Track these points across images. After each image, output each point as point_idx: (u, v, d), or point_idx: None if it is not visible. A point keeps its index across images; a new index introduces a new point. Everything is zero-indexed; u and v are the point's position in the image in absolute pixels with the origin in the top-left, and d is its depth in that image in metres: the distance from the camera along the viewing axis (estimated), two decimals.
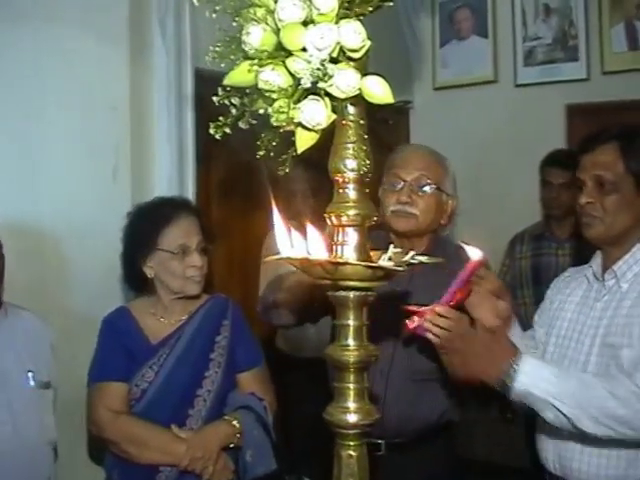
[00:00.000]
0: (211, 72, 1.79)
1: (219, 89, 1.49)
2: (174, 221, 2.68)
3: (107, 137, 3.14)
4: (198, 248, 2.68)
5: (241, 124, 1.48)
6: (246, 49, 1.44)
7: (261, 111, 1.47)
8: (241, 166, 3.76)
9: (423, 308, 2.18)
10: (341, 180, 1.49)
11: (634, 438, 2.02)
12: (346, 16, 1.41)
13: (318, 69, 1.38)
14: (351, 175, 1.48)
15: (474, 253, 2.12)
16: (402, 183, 2.56)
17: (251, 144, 1.52)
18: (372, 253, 1.52)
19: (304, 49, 1.40)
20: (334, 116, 1.46)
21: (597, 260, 2.34)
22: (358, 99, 1.45)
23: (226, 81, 1.48)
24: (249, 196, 3.99)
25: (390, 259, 1.46)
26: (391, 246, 1.49)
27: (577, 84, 5.13)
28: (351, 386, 1.49)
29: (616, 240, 2.25)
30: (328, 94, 1.42)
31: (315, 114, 1.42)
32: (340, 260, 1.45)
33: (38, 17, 3.01)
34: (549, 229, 4.43)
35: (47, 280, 3.02)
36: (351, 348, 1.49)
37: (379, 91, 1.43)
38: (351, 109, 1.48)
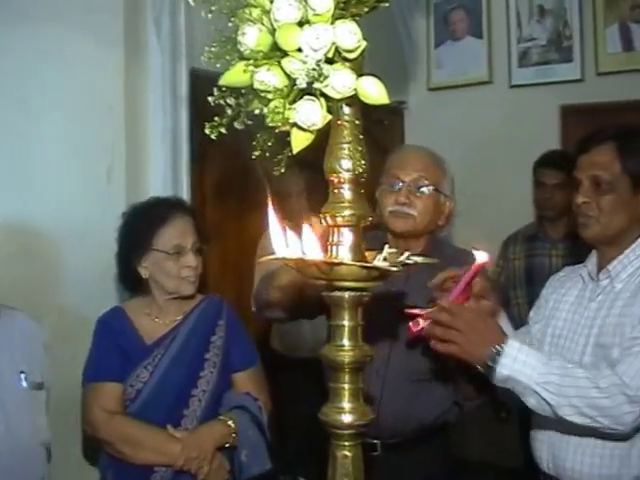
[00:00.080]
0: (206, 72, 1.79)
1: (214, 89, 1.49)
2: (169, 221, 2.68)
3: (102, 137, 3.14)
4: (193, 248, 2.68)
5: (236, 124, 1.48)
6: (242, 49, 1.44)
7: (257, 111, 1.47)
8: (236, 166, 3.76)
9: (425, 310, 2.18)
10: (336, 180, 1.49)
11: (613, 429, 2.03)
12: (342, 17, 1.42)
13: (314, 69, 1.38)
14: (346, 175, 1.48)
15: (481, 255, 2.13)
16: (400, 184, 2.56)
17: (246, 144, 1.52)
18: (367, 253, 1.52)
19: (300, 49, 1.40)
20: (329, 116, 1.46)
21: (592, 260, 2.35)
22: (353, 99, 1.45)
23: (221, 81, 1.48)
24: (244, 196, 3.99)
25: (385, 259, 1.46)
26: (386, 246, 1.49)
27: (571, 85, 5.15)
28: (346, 386, 1.49)
29: (612, 240, 2.26)
30: (323, 94, 1.42)
31: (310, 114, 1.43)
32: (335, 260, 1.45)
33: (33, 17, 3.00)
34: (542, 230, 4.44)
35: (41, 280, 3.01)
36: (346, 348, 1.49)
37: (374, 92, 1.43)
38: (346, 109, 1.48)
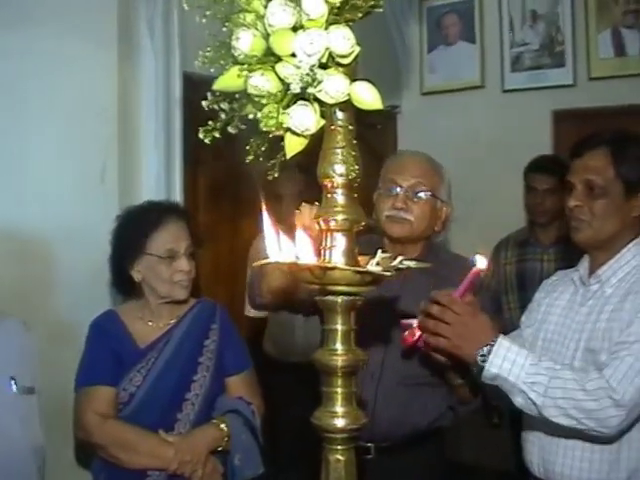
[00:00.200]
0: (200, 76, 1.80)
1: (208, 94, 1.49)
2: (163, 226, 2.68)
3: (95, 139, 3.13)
4: (186, 253, 2.68)
5: (230, 129, 1.49)
6: (236, 54, 1.44)
7: (250, 116, 1.48)
8: (229, 170, 3.77)
9: (417, 320, 2.20)
10: (330, 185, 1.49)
11: (598, 432, 2.05)
12: (335, 22, 1.42)
13: (307, 74, 1.38)
14: (340, 180, 1.48)
15: (480, 261, 2.14)
16: (398, 189, 2.57)
17: (240, 148, 1.52)
18: (360, 258, 1.52)
19: (293, 54, 1.40)
20: (323, 121, 1.46)
21: (584, 264, 2.36)
22: (347, 105, 1.45)
23: (215, 86, 1.48)
24: (237, 200, 4.00)
25: (378, 264, 1.47)
26: (379, 251, 1.49)
27: (564, 90, 5.17)
28: (339, 390, 1.49)
29: (603, 245, 2.27)
30: (317, 99, 1.42)
31: (304, 119, 1.43)
32: (328, 265, 1.45)
33: (27, 20, 3.00)
34: (533, 235, 4.45)
35: (33, 282, 3.01)
36: (339, 352, 1.48)
37: (368, 97, 1.43)
38: (340, 114, 1.48)
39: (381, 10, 1.46)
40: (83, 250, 3.04)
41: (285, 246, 1.45)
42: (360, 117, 1.50)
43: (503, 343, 2.09)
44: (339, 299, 1.47)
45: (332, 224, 1.48)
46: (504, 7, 5.38)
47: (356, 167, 1.48)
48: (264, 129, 1.45)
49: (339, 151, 1.48)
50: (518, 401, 2.09)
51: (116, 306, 2.91)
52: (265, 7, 1.43)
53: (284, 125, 1.44)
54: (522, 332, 2.46)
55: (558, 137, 5.08)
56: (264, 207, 1.52)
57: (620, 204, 2.24)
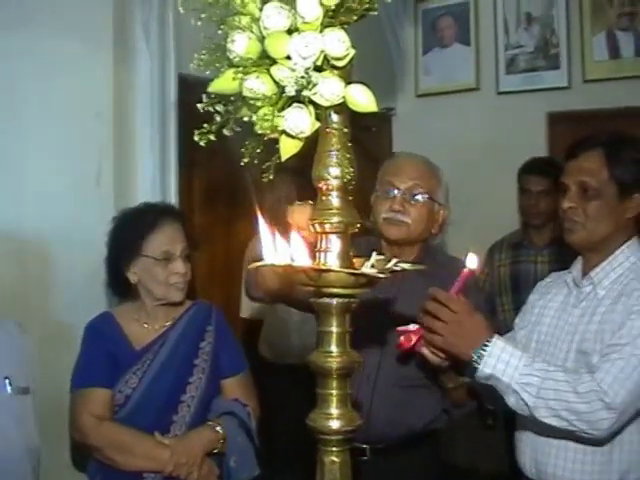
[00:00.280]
0: (195, 78, 1.80)
1: (204, 96, 1.49)
2: (158, 228, 2.68)
3: (90, 142, 3.13)
4: (182, 255, 2.68)
5: (225, 131, 1.49)
6: (231, 57, 1.45)
7: (245, 119, 1.48)
8: (224, 173, 3.76)
9: (417, 327, 2.21)
10: (325, 187, 1.50)
11: (588, 434, 2.06)
12: (330, 25, 1.42)
13: (302, 77, 1.39)
14: (335, 182, 1.49)
15: (471, 261, 2.16)
16: (395, 191, 2.58)
17: (235, 150, 1.52)
18: (355, 260, 1.52)
19: (288, 57, 1.41)
20: (318, 124, 1.47)
21: (577, 266, 2.37)
22: (342, 107, 1.46)
23: (211, 88, 1.49)
24: (232, 203, 3.99)
25: (373, 266, 1.47)
26: (374, 253, 1.49)
27: (558, 92, 5.18)
28: (334, 392, 1.50)
29: (596, 246, 2.28)
30: (312, 102, 1.43)
31: (299, 122, 1.43)
32: (323, 267, 1.46)
33: (21, 22, 3.00)
34: (527, 237, 4.45)
35: (29, 284, 3.00)
36: (334, 355, 1.49)
37: (363, 99, 1.44)
38: (335, 117, 1.48)
39: (376, 13, 1.47)
40: (79, 251, 3.03)
41: (280, 248, 1.45)
42: (355, 119, 1.50)
43: (498, 343, 2.11)
44: (334, 301, 1.47)
45: (327, 226, 1.48)
46: (499, 9, 5.39)
47: (351, 170, 1.49)
48: (259, 132, 1.46)
49: (334, 153, 1.49)
50: (511, 401, 2.10)
51: (112, 308, 2.91)
52: (260, 10, 1.44)
53: (279, 128, 1.45)
54: (516, 334, 2.47)
55: (553, 139, 5.09)
56: (258, 210, 1.52)
57: (614, 206, 2.24)
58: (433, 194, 2.61)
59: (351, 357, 1.51)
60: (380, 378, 2.51)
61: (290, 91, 1.40)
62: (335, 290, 1.45)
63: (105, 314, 2.79)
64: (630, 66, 4.97)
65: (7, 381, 2.44)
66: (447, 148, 5.02)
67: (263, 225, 1.48)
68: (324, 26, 1.42)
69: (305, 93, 1.41)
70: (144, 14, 3.29)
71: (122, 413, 2.62)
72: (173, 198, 3.40)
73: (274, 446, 3.69)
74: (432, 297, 2.16)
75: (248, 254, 3.92)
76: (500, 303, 4.37)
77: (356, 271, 1.45)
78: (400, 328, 2.24)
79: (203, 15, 1.46)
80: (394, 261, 1.50)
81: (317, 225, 1.50)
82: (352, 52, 1.42)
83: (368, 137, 4.85)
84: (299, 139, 1.46)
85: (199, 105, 1.49)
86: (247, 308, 4.28)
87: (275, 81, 1.42)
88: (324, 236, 1.49)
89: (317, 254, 1.50)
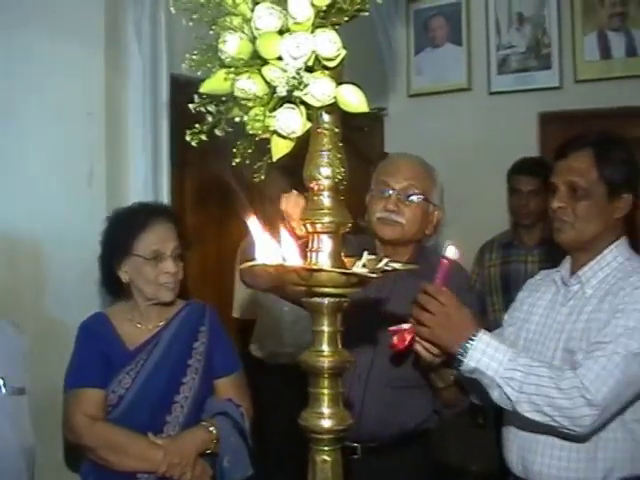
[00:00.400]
0: (187, 78, 1.80)
1: (195, 96, 1.50)
2: (149, 227, 2.67)
3: (82, 142, 3.13)
4: (173, 255, 2.68)
5: (217, 132, 1.49)
6: (222, 57, 1.45)
7: (237, 119, 1.48)
8: (216, 173, 3.76)
9: (409, 326, 2.22)
10: (316, 187, 1.50)
11: (570, 430, 2.08)
12: (322, 25, 1.43)
13: (294, 78, 1.39)
14: (326, 182, 1.49)
15: (450, 252, 2.17)
16: (390, 191, 2.58)
17: (227, 150, 1.53)
18: (347, 259, 1.53)
19: (280, 58, 1.41)
20: (309, 124, 1.47)
21: (566, 265, 2.38)
22: (333, 107, 1.46)
23: (202, 89, 1.49)
24: (224, 203, 3.99)
25: (364, 266, 1.47)
26: (365, 253, 1.50)
27: (550, 92, 5.19)
28: (325, 392, 1.50)
29: (585, 246, 2.29)
30: (303, 102, 1.43)
31: (290, 122, 1.44)
32: (314, 267, 1.46)
33: (13, 21, 3.00)
34: (517, 237, 4.46)
35: (22, 284, 3.01)
36: (326, 354, 1.49)
37: (354, 100, 1.44)
38: (326, 117, 1.49)
39: (367, 14, 1.47)
40: (72, 251, 3.03)
41: (272, 248, 1.46)
42: (347, 119, 1.51)
43: (483, 338, 2.13)
44: (326, 301, 1.48)
45: (318, 226, 1.49)
46: (491, 10, 5.40)
47: (342, 170, 1.50)
48: (251, 132, 1.46)
49: (325, 154, 1.49)
50: (495, 395, 2.12)
51: (105, 308, 2.91)
52: (252, 10, 1.44)
53: (270, 128, 1.45)
54: (504, 330, 2.48)
55: (544, 139, 5.10)
56: (251, 210, 1.53)
57: (603, 206, 2.26)
58: (428, 195, 2.61)
59: (342, 356, 1.51)
60: (372, 377, 2.52)
61: (281, 91, 1.40)
62: (326, 290, 1.45)
63: (98, 314, 2.79)
64: (621, 66, 4.99)
65: (1, 382, 2.44)
66: (439, 148, 5.02)
67: (255, 225, 1.48)
68: (315, 27, 1.42)
69: (296, 93, 1.41)
70: (136, 14, 3.29)
71: (115, 413, 2.61)
72: (165, 198, 3.40)
73: (266, 446, 3.69)
74: (422, 290, 2.18)
75: (240, 254, 3.92)
76: (491, 303, 4.39)
77: (347, 271, 1.45)
78: (392, 328, 2.25)
79: (195, 16, 1.47)
80: (385, 261, 1.50)
81: (308, 225, 1.50)
82: (343, 53, 1.43)
83: (360, 137, 4.85)
84: (290, 139, 1.47)
85: (191, 105, 1.50)
86: (239, 308, 4.29)
87: (266, 81, 1.43)
88: (315, 236, 1.50)
89: (308, 254, 1.50)
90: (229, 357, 2.81)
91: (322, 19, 1.43)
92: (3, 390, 2.45)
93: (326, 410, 1.50)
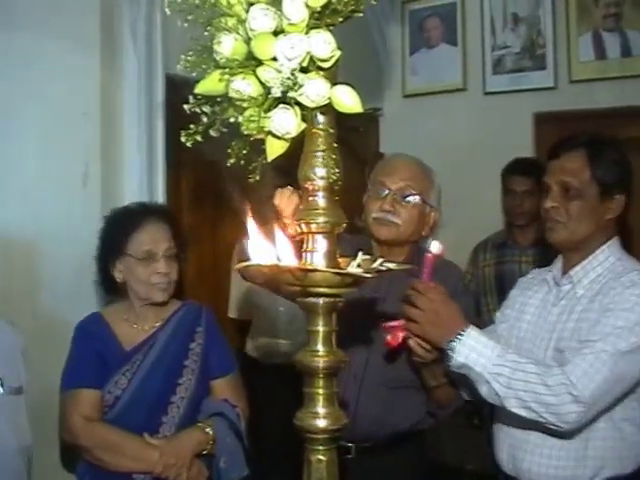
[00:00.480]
0: (182, 78, 1.80)
1: (190, 97, 1.50)
2: (142, 227, 2.68)
3: (78, 142, 3.13)
4: (165, 255, 2.67)
5: (212, 132, 1.50)
6: (217, 58, 1.46)
7: (232, 119, 1.49)
8: (212, 172, 3.76)
9: (401, 322, 2.23)
10: (311, 188, 1.51)
11: (557, 426, 2.09)
12: (316, 26, 1.43)
13: (288, 78, 1.40)
14: (320, 183, 1.50)
15: (434, 247, 2.19)
16: (387, 191, 2.58)
17: (223, 151, 1.53)
18: (342, 260, 1.53)
19: (274, 58, 1.42)
20: (304, 125, 1.48)
21: (558, 265, 2.39)
22: (328, 108, 1.47)
23: (197, 90, 1.49)
24: (219, 203, 3.99)
25: (359, 266, 1.48)
26: (360, 253, 1.50)
27: (545, 92, 5.19)
28: (321, 391, 1.51)
29: (577, 246, 2.30)
30: (298, 103, 1.44)
31: (285, 123, 1.44)
32: (309, 267, 1.46)
33: (9, 21, 3.00)
34: (512, 237, 4.47)
35: (17, 284, 3.00)
36: (321, 354, 1.50)
37: (348, 100, 1.45)
38: (321, 118, 1.50)
39: (361, 15, 1.48)
40: (66, 252, 3.03)
41: (266, 248, 1.46)
42: (342, 120, 1.51)
43: (472, 333, 2.15)
44: (320, 301, 1.48)
45: (313, 226, 1.49)
46: (486, 10, 5.40)
47: (337, 170, 1.50)
48: (245, 132, 1.47)
49: (320, 154, 1.50)
50: (483, 390, 2.14)
51: (101, 308, 2.91)
52: (246, 11, 1.45)
53: (265, 128, 1.46)
54: (496, 327, 2.49)
55: (539, 139, 5.10)
56: (247, 209, 1.53)
57: (595, 206, 2.26)
58: (425, 196, 2.61)
59: (337, 356, 1.52)
60: (367, 377, 2.52)
61: (276, 92, 1.41)
62: (321, 290, 1.46)
63: (94, 314, 2.79)
64: (616, 67, 4.99)
65: None
66: (434, 148, 5.01)
67: (250, 225, 1.49)
68: (310, 28, 1.43)
69: (291, 94, 1.42)
70: (132, 14, 3.29)
71: (111, 414, 2.62)
72: (160, 198, 3.40)
73: (262, 446, 3.69)
74: (411, 287, 2.19)
75: (236, 254, 3.92)
76: (485, 303, 4.39)
77: (342, 271, 1.46)
78: (385, 324, 2.26)
79: (190, 17, 1.47)
80: (380, 261, 1.51)
81: (303, 225, 1.50)
82: (338, 53, 1.43)
83: (355, 137, 4.85)
84: (285, 140, 1.47)
85: (186, 106, 1.50)
86: (235, 308, 4.29)
87: (261, 82, 1.43)
88: (310, 236, 1.50)
89: (303, 254, 1.51)
90: (225, 358, 2.82)
91: (317, 20, 1.44)
92: (0, 390, 2.45)
93: (321, 410, 1.50)
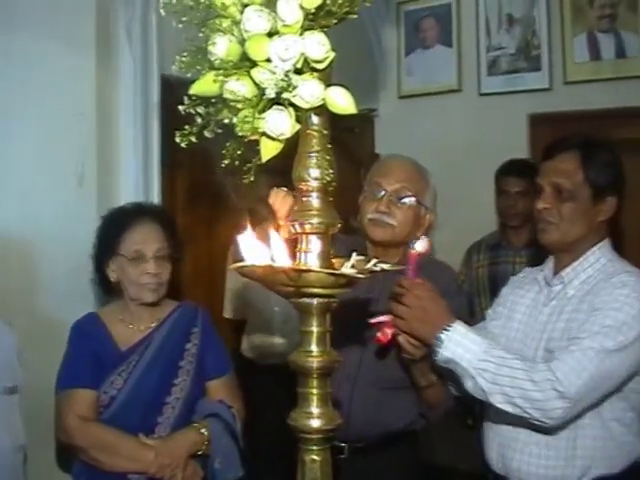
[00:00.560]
0: (178, 79, 1.80)
1: (185, 98, 1.51)
2: (133, 227, 2.68)
3: (73, 142, 3.13)
4: (156, 255, 2.67)
5: (206, 133, 1.50)
6: (212, 59, 1.46)
7: (226, 120, 1.49)
8: (207, 173, 3.77)
9: (389, 317, 2.23)
10: (305, 189, 1.51)
11: (542, 422, 2.10)
12: (310, 28, 1.44)
13: (282, 80, 1.40)
14: (315, 184, 1.50)
15: (419, 244, 2.20)
16: (382, 192, 2.58)
17: (218, 151, 1.53)
18: (336, 260, 1.54)
19: (269, 60, 1.42)
20: (298, 126, 1.48)
21: (549, 265, 2.40)
22: (322, 109, 1.47)
23: (192, 91, 1.50)
24: (215, 203, 3.99)
25: (353, 266, 1.48)
26: (354, 254, 1.51)
27: (540, 94, 5.19)
28: (314, 391, 1.51)
29: (569, 247, 2.31)
30: (292, 104, 1.44)
31: (279, 124, 1.45)
32: (303, 267, 1.47)
33: (5, 22, 3.00)
34: (505, 238, 4.47)
35: (13, 284, 3.01)
36: (314, 354, 1.50)
37: (342, 102, 1.45)
38: (315, 119, 1.50)
39: (355, 16, 1.48)
40: (62, 251, 3.04)
41: (260, 249, 1.46)
42: (337, 121, 1.52)
43: (458, 329, 2.15)
44: (314, 301, 1.49)
45: (307, 227, 1.50)
46: (481, 11, 5.40)
47: (331, 171, 1.51)
48: (240, 133, 1.47)
49: (314, 155, 1.50)
50: (469, 385, 2.15)
51: (97, 307, 2.92)
52: (241, 13, 1.45)
53: (260, 129, 1.46)
54: (487, 324, 2.50)
55: (534, 140, 5.10)
56: (242, 210, 1.54)
57: (587, 208, 2.27)
58: (420, 197, 2.60)
59: (331, 356, 1.52)
60: (360, 377, 2.52)
61: (270, 93, 1.41)
62: (315, 290, 1.46)
63: (90, 314, 2.79)
64: (610, 68, 4.99)
65: None
66: (429, 149, 5.01)
67: (245, 226, 1.49)
68: (304, 29, 1.43)
69: (285, 95, 1.42)
70: (127, 15, 3.29)
71: (107, 414, 2.62)
72: (156, 198, 3.40)
73: (257, 446, 3.69)
74: (397, 283, 2.21)
75: (231, 254, 3.92)
76: (478, 303, 4.38)
77: (336, 271, 1.46)
78: (373, 320, 2.27)
79: (184, 18, 1.47)
80: (373, 261, 1.51)
81: (297, 225, 1.51)
82: (332, 55, 1.44)
83: (350, 138, 4.86)
84: (279, 141, 1.48)
85: (180, 107, 1.50)
86: (230, 308, 4.29)
87: (255, 83, 1.44)
88: (304, 237, 1.51)
89: (297, 254, 1.51)
90: (221, 359, 2.82)
91: (311, 22, 1.44)
92: None
93: (315, 410, 1.51)
